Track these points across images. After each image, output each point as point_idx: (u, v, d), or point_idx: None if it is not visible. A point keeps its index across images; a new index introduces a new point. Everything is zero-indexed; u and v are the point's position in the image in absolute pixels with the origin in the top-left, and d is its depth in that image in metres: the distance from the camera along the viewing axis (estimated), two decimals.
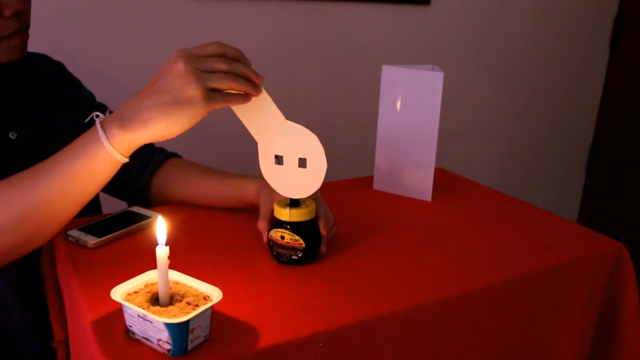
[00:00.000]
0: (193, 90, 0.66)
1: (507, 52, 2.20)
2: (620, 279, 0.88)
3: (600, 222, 2.50)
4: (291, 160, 0.74)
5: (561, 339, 0.86)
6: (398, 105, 1.06)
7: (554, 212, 1.02)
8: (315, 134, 0.73)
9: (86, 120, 0.74)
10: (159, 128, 0.68)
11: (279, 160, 0.75)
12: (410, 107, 1.05)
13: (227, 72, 0.68)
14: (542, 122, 2.40)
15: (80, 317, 0.69)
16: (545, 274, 0.82)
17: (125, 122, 0.68)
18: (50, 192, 0.72)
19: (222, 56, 0.69)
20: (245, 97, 0.71)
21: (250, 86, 0.71)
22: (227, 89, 0.69)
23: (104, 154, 0.70)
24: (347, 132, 1.95)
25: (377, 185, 1.13)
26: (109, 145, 0.69)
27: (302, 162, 0.74)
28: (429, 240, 0.90)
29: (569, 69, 2.38)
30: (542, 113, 2.39)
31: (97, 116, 0.71)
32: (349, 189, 1.14)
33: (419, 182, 1.07)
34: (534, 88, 2.33)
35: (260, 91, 0.72)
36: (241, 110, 0.73)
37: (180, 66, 0.66)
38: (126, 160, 0.72)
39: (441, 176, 1.13)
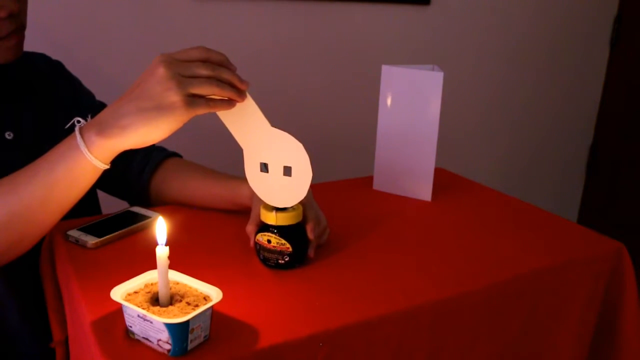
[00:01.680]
0: (173, 96, 0.65)
1: (507, 51, 2.20)
2: (620, 279, 0.88)
3: (600, 222, 2.50)
4: (276, 168, 0.73)
5: (561, 339, 0.86)
6: (398, 105, 1.06)
7: (554, 212, 1.02)
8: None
9: (67, 126, 0.73)
10: (138, 134, 0.67)
11: (264, 167, 0.74)
12: (410, 107, 1.05)
13: (209, 78, 0.67)
14: (542, 122, 2.40)
15: (80, 317, 0.69)
16: (545, 274, 0.82)
17: (104, 128, 0.67)
18: (30, 200, 0.72)
19: (205, 61, 0.67)
20: (229, 103, 0.70)
21: (234, 92, 0.69)
22: (209, 95, 0.68)
23: (83, 162, 0.69)
24: (347, 132, 1.95)
25: (377, 185, 1.13)
26: (88, 152, 0.68)
27: (288, 171, 0.73)
28: (429, 240, 0.90)
29: (569, 68, 2.39)
30: (542, 113, 2.39)
31: (78, 122, 0.70)
32: (349, 189, 1.14)
33: (419, 182, 1.07)
34: (533, 88, 2.33)
35: (245, 97, 0.70)
36: (226, 116, 0.72)
37: (161, 71, 0.65)
38: (106, 167, 0.71)
39: (441, 176, 1.13)
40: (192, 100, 0.66)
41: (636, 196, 2.44)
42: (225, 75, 0.68)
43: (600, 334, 0.90)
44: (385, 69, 1.05)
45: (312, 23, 1.80)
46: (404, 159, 1.08)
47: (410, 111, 1.05)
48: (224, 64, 0.69)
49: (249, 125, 0.72)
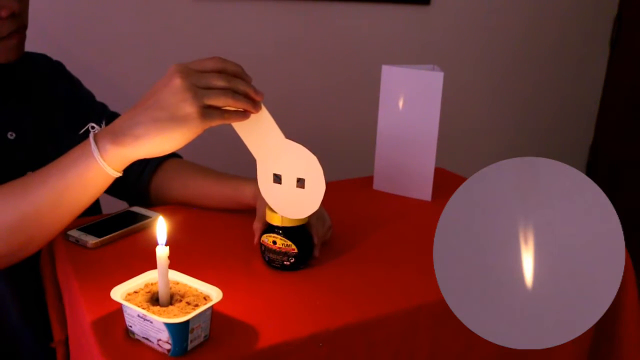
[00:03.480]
0: (189, 108, 0.65)
1: (507, 51, 2.20)
2: None
3: None
4: (289, 179, 0.73)
5: None
6: (398, 105, 1.06)
7: None
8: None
9: (81, 132, 0.73)
10: (152, 144, 0.67)
11: (277, 179, 0.74)
12: (410, 107, 1.05)
13: (225, 89, 0.67)
14: (542, 122, 2.40)
15: (80, 317, 0.69)
16: None
17: (118, 136, 0.67)
18: (41, 204, 0.72)
19: (221, 72, 0.67)
20: (243, 114, 0.70)
21: (249, 103, 0.69)
22: (224, 106, 0.68)
23: (96, 169, 0.69)
24: (347, 132, 1.94)
25: (377, 185, 1.13)
26: (101, 159, 0.69)
27: (301, 182, 0.73)
28: (429, 240, 0.90)
29: (569, 68, 2.39)
30: (542, 113, 2.39)
31: (93, 127, 0.70)
32: (349, 189, 1.14)
33: (419, 182, 1.07)
34: (534, 88, 2.33)
35: (260, 108, 0.70)
36: (240, 127, 0.72)
37: (177, 82, 0.65)
38: (119, 174, 0.71)
39: (441, 176, 1.13)
40: (207, 111, 0.66)
41: (636, 196, 2.44)
42: (241, 86, 0.68)
43: (600, 334, 0.90)
44: (385, 69, 1.05)
45: (311, 23, 1.80)
46: (404, 159, 1.08)
47: (410, 111, 1.05)
48: (239, 75, 0.69)
49: (263, 137, 0.72)
